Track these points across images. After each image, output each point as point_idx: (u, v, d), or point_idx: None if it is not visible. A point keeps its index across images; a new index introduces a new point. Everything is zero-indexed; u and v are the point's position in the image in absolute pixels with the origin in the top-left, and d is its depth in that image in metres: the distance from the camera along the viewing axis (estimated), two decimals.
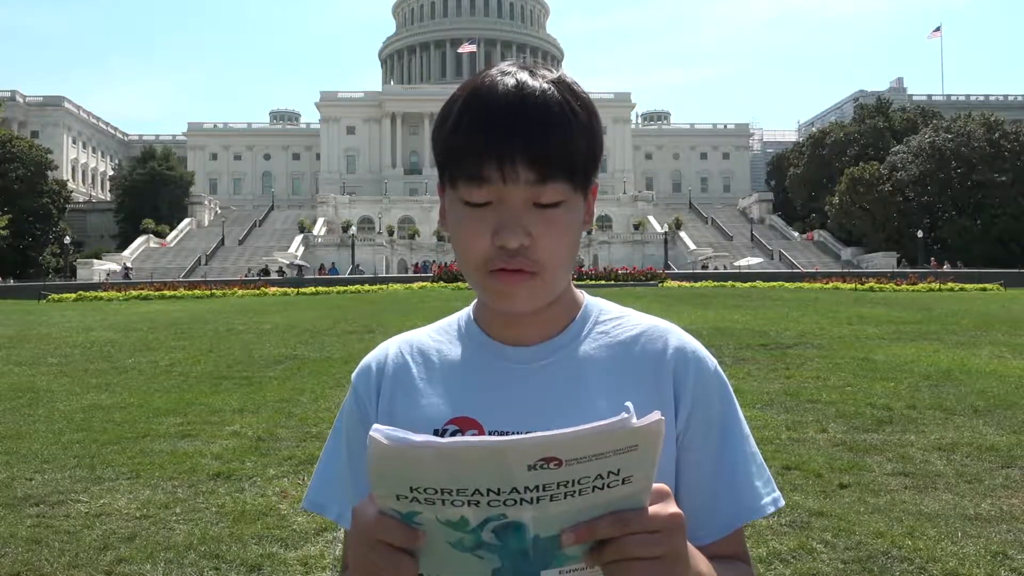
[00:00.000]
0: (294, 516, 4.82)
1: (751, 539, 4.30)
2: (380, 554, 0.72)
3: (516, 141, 0.88)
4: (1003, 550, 4.14)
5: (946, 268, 47.44)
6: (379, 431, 0.67)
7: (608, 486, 0.69)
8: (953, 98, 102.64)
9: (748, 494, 0.99)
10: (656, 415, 0.69)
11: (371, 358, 1.09)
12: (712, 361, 1.03)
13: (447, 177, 0.94)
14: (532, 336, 1.02)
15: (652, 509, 0.72)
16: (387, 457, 0.67)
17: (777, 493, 1.01)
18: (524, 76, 0.92)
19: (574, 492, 0.69)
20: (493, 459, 0.67)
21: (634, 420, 0.67)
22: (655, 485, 0.72)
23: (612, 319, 1.05)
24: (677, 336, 1.03)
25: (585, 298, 1.07)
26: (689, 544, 0.77)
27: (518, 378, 1.00)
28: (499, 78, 0.92)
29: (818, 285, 34.91)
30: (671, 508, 0.73)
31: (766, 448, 6.19)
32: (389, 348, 1.09)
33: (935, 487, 5.22)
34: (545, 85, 0.91)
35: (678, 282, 37.89)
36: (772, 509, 0.99)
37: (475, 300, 1.06)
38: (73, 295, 33.16)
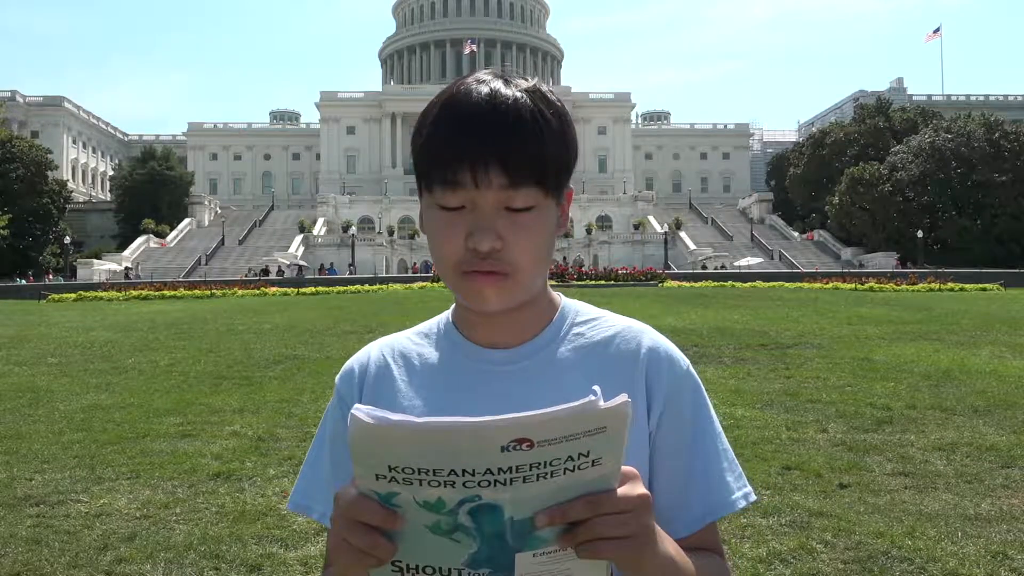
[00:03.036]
0: (294, 516, 4.81)
1: (751, 539, 4.31)
2: (358, 535, 0.74)
3: (488, 147, 0.91)
4: (1003, 550, 4.14)
5: (902, 268, 47.67)
6: (360, 409, 0.70)
7: (579, 468, 0.72)
8: (953, 98, 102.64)
9: (720, 489, 1.02)
10: (623, 397, 0.72)
11: (353, 361, 1.13)
12: (684, 361, 1.06)
13: (424, 182, 0.97)
14: (510, 338, 1.05)
15: (621, 490, 0.75)
16: (367, 435, 0.70)
17: (748, 488, 1.04)
18: (498, 84, 0.95)
19: (546, 474, 0.71)
20: (466, 439, 0.69)
21: (601, 402, 0.70)
22: (623, 468, 0.75)
23: (588, 320, 1.08)
24: (650, 337, 1.06)
25: (562, 300, 1.10)
26: (658, 528, 0.81)
27: (496, 380, 1.03)
28: (474, 86, 0.95)
29: (818, 285, 34.94)
30: (639, 489, 0.76)
31: (766, 448, 6.19)
32: (371, 352, 1.12)
33: (935, 487, 5.22)
34: (518, 93, 0.94)
35: (678, 282, 37.90)
36: (744, 504, 1.02)
37: (454, 304, 1.09)
38: (73, 295, 33.18)
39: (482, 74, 0.97)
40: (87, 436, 7.06)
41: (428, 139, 0.95)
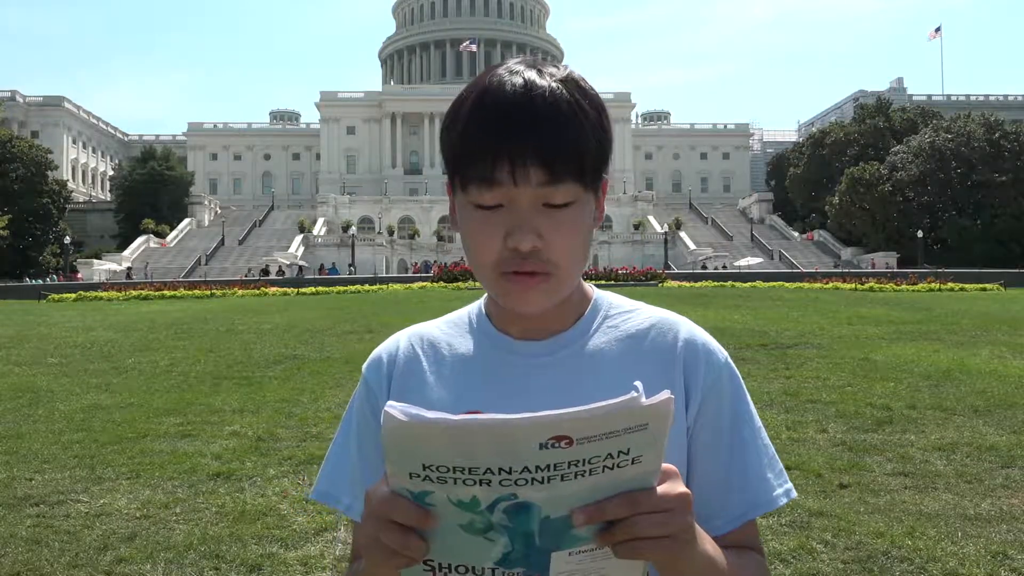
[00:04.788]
0: (294, 516, 4.82)
1: None
2: (390, 533, 0.72)
3: (527, 143, 0.88)
4: (1003, 550, 4.14)
5: (897, 269, 47.90)
6: (394, 407, 0.68)
7: (618, 466, 0.70)
8: (953, 98, 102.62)
9: (760, 486, 0.99)
10: (666, 394, 0.70)
11: (382, 350, 1.10)
12: (723, 353, 1.03)
13: (457, 180, 0.93)
14: (542, 330, 1.02)
15: (661, 489, 0.73)
16: (401, 433, 0.68)
17: (789, 485, 1.01)
18: (532, 75, 0.91)
19: (584, 472, 0.69)
20: (504, 437, 0.67)
21: (643, 399, 0.68)
22: (663, 465, 0.73)
23: (622, 313, 1.05)
24: (687, 329, 1.03)
25: (595, 292, 1.07)
26: (698, 527, 0.78)
27: (528, 372, 1.01)
28: (507, 77, 0.91)
29: (818, 285, 34.91)
30: (679, 488, 0.74)
31: None
32: (400, 340, 1.09)
33: (935, 487, 5.22)
34: (554, 84, 0.90)
35: (678, 282, 37.87)
36: (785, 501, 1.00)
37: (486, 294, 1.06)
38: (73, 295, 33.15)
39: (513, 64, 0.93)
40: (87, 436, 7.06)
41: (463, 135, 0.91)
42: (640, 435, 0.69)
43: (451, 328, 1.08)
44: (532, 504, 0.70)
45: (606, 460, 0.69)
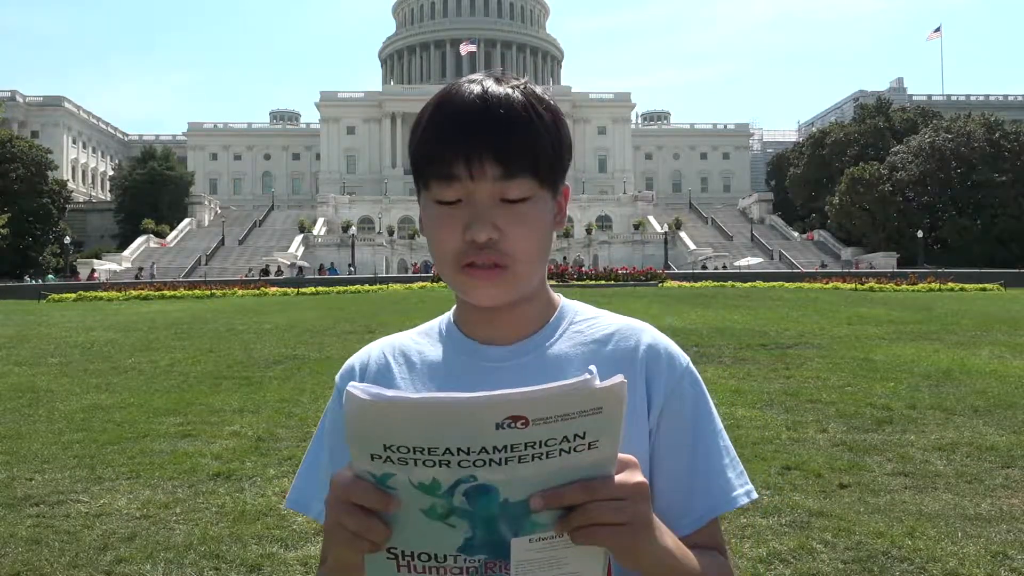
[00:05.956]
0: (294, 516, 4.81)
1: (751, 539, 4.31)
2: (353, 517, 0.74)
3: (481, 139, 0.93)
4: (1003, 550, 4.14)
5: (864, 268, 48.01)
6: (356, 387, 0.70)
7: (575, 450, 0.72)
8: (953, 98, 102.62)
9: (722, 486, 1.02)
10: (619, 378, 0.72)
11: (354, 360, 1.14)
12: (684, 358, 1.05)
13: (421, 180, 0.98)
14: (509, 335, 1.05)
15: (618, 478, 0.75)
16: (363, 412, 0.70)
17: (750, 486, 1.04)
18: (489, 83, 0.97)
19: (541, 455, 0.71)
20: (460, 415, 0.69)
21: (597, 381, 0.70)
22: (621, 455, 0.76)
23: (586, 319, 1.09)
24: (650, 334, 1.06)
25: (561, 300, 1.11)
26: (656, 519, 0.81)
27: (494, 376, 1.03)
28: (466, 86, 0.97)
29: (818, 285, 34.92)
30: (636, 477, 0.77)
31: (766, 448, 6.19)
32: (372, 350, 1.13)
33: (935, 487, 5.22)
34: (508, 89, 0.96)
35: (678, 282, 37.88)
36: (745, 501, 1.02)
37: (456, 304, 1.10)
38: (73, 295, 33.16)
39: (474, 75, 0.99)
40: (87, 436, 7.06)
41: (423, 137, 0.96)
42: (595, 419, 0.71)
43: (422, 337, 1.12)
44: (492, 487, 0.72)
45: (562, 443, 0.71)
